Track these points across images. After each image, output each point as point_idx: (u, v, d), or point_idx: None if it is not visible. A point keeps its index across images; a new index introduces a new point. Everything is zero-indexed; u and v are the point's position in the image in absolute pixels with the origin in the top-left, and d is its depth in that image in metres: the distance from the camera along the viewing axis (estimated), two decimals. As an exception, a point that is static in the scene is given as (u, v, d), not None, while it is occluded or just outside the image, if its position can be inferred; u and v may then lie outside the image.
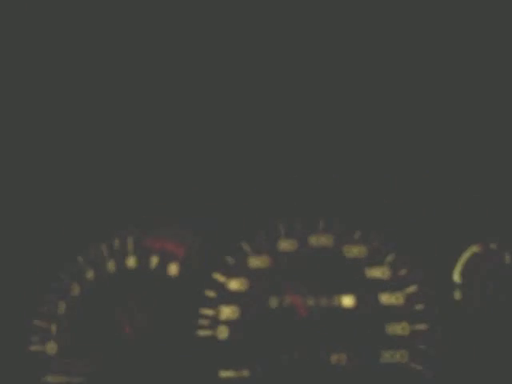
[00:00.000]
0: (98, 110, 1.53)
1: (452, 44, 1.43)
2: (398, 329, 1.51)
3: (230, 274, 1.56)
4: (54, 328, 1.56)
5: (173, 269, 1.57)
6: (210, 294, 1.55)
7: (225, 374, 1.51)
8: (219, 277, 1.56)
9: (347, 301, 1.53)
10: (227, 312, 1.53)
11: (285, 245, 1.57)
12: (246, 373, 1.50)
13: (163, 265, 1.57)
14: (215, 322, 1.53)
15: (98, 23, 1.38)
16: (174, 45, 1.43)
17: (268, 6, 1.36)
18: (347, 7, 1.37)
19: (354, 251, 1.56)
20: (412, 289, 1.53)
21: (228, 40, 1.42)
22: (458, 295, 1.53)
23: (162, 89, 1.50)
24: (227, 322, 1.53)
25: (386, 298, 1.53)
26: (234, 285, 1.55)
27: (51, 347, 1.55)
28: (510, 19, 1.37)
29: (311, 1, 1.36)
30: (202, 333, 1.53)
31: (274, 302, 1.53)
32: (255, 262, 1.56)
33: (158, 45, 1.42)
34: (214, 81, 1.48)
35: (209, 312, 1.54)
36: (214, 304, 1.54)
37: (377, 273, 1.54)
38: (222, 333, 1.52)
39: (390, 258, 1.55)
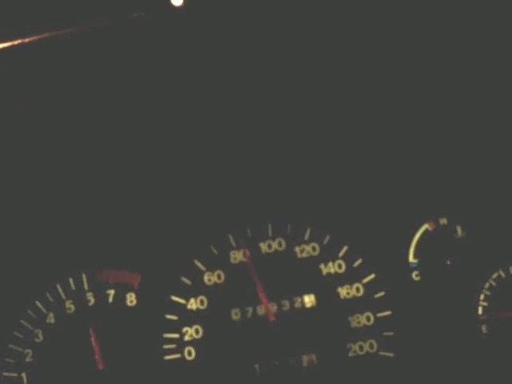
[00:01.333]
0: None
1: (452, 44, 1.42)
2: (363, 320, 1.51)
3: (188, 294, 1.55)
4: (24, 377, 1.56)
5: (130, 299, 1.56)
6: (172, 317, 1.54)
7: (198, 394, 1.51)
8: (178, 298, 1.55)
9: (308, 300, 1.53)
10: (191, 332, 1.53)
11: (237, 256, 1.56)
12: (218, 389, 1.51)
13: (121, 296, 1.57)
14: (181, 344, 1.53)
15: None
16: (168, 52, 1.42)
17: (267, 5, 1.34)
18: (347, 7, 1.36)
19: (307, 250, 1.55)
20: (370, 278, 1.52)
21: (227, 43, 1.41)
22: (416, 276, 1.52)
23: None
24: (193, 342, 1.53)
25: (345, 292, 1.53)
26: (194, 304, 1.54)
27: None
28: (510, 19, 1.37)
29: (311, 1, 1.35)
30: (169, 357, 1.52)
31: (235, 315, 1.53)
32: (211, 277, 1.55)
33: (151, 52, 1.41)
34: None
35: (173, 335, 1.53)
36: (177, 326, 1.54)
37: (332, 268, 1.54)
38: (189, 353, 1.52)
39: (343, 252, 1.54)
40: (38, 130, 1.53)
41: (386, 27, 1.40)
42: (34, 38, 1.35)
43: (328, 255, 1.54)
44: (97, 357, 1.53)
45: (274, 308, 1.53)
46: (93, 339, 1.54)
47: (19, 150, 1.55)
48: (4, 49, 1.36)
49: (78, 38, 1.37)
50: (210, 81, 1.49)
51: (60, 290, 1.58)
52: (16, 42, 1.35)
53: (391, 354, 1.49)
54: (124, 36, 1.39)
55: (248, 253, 1.53)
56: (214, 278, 1.56)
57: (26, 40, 1.35)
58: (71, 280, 1.59)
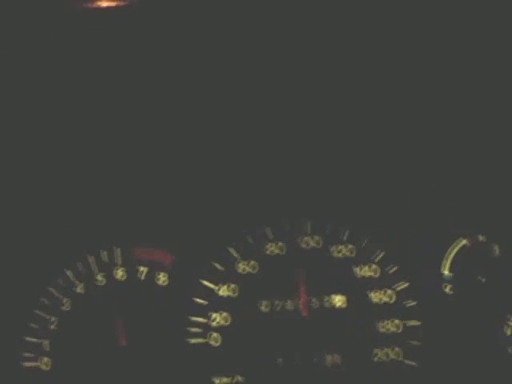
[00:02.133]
0: (77, 128, 1.52)
1: (452, 44, 1.42)
2: (391, 326, 1.51)
3: (219, 280, 1.55)
4: (47, 344, 1.55)
5: (162, 278, 1.56)
6: (200, 301, 1.54)
7: (219, 380, 1.50)
8: (208, 284, 1.55)
9: (338, 301, 1.53)
10: (218, 319, 1.53)
11: (273, 248, 1.56)
12: (240, 378, 1.50)
13: (152, 275, 1.57)
14: (207, 329, 1.53)
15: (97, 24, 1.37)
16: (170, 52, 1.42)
17: (267, 6, 1.35)
18: (347, 7, 1.36)
19: (343, 251, 1.55)
20: (402, 286, 1.52)
21: (227, 44, 1.41)
22: (448, 289, 1.52)
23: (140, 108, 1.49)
24: (219, 329, 1.53)
25: (376, 297, 1.53)
26: (224, 291, 1.54)
27: (45, 363, 1.54)
28: (510, 19, 1.37)
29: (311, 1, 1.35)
30: (195, 341, 1.52)
31: (265, 307, 1.53)
32: (244, 267, 1.56)
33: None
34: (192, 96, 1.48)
35: (200, 320, 1.53)
36: (205, 311, 1.53)
37: (366, 272, 1.54)
38: (215, 340, 1.52)
39: (378, 257, 1.54)
40: (56, 117, 1.54)
41: (386, 27, 1.40)
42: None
43: (364, 259, 1.54)
44: (119, 332, 1.52)
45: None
46: (121, 314, 1.53)
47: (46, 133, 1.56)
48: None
49: (76, 35, 1.37)
50: (226, 76, 1.49)
51: (93, 262, 1.58)
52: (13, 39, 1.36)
53: (416, 364, 1.49)
54: (123, 35, 1.39)
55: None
56: (248, 268, 1.56)
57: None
58: (104, 253, 1.59)
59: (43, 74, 1.46)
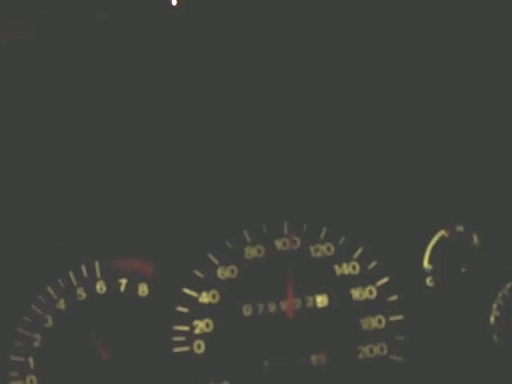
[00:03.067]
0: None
1: (452, 44, 1.42)
2: (374, 322, 1.51)
3: (201, 287, 1.55)
4: (31, 361, 1.55)
5: (142, 289, 1.56)
6: (183, 309, 1.54)
7: (206, 388, 1.50)
8: (189, 291, 1.55)
9: (321, 300, 1.52)
10: (201, 326, 1.53)
11: (251, 252, 1.56)
12: (227, 384, 1.50)
13: (132, 286, 1.56)
14: (190, 337, 1.53)
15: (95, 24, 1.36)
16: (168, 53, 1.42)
17: (267, 6, 1.34)
18: (347, 8, 1.36)
19: (321, 250, 1.55)
20: (383, 281, 1.52)
21: (226, 45, 1.41)
22: (429, 282, 1.52)
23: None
24: (203, 336, 1.52)
25: (358, 293, 1.52)
26: (206, 298, 1.54)
27: (31, 381, 1.54)
28: (510, 19, 1.36)
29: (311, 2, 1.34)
30: (179, 349, 1.52)
31: (247, 311, 1.53)
32: (223, 272, 1.55)
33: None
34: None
35: (183, 328, 1.53)
36: (188, 319, 1.53)
37: (346, 269, 1.53)
38: (199, 347, 1.52)
39: (358, 253, 1.54)
40: (51, 120, 1.53)
41: (386, 27, 1.40)
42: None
43: (342, 256, 1.54)
44: (102, 346, 1.52)
45: (284, 306, 1.52)
46: (101, 328, 1.53)
47: (29, 139, 1.55)
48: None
49: (77, 36, 1.37)
50: (221, 77, 1.48)
51: (72, 276, 1.58)
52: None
53: (401, 359, 1.49)
54: (123, 35, 1.38)
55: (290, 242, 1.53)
56: (228, 273, 1.55)
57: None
58: (84, 267, 1.58)
59: (41, 76, 1.46)
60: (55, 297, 1.57)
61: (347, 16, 1.37)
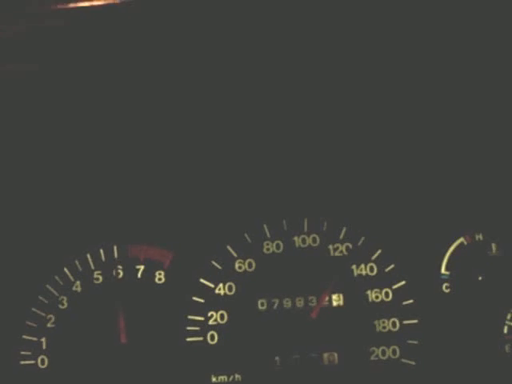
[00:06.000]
0: (82, 124, 1.52)
1: (452, 45, 1.41)
2: (388, 325, 1.51)
3: (217, 278, 1.55)
4: (44, 342, 1.55)
5: (159, 277, 1.56)
6: (198, 299, 1.54)
7: (217, 378, 1.50)
8: (206, 282, 1.55)
9: (336, 299, 1.53)
10: (216, 317, 1.53)
11: (270, 247, 1.56)
12: (237, 377, 1.51)
13: (150, 273, 1.56)
14: (205, 327, 1.53)
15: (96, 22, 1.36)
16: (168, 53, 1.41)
17: (268, 6, 1.34)
18: (347, 8, 1.35)
19: (341, 249, 1.55)
20: (400, 284, 1.53)
21: (229, 45, 1.40)
22: (446, 288, 1.52)
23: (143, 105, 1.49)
24: (216, 327, 1.53)
25: (374, 295, 1.53)
26: (222, 289, 1.54)
27: (42, 361, 1.54)
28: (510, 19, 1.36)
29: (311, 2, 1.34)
30: (192, 339, 1.52)
31: (262, 305, 1.53)
32: (242, 265, 1.56)
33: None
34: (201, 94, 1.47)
35: (198, 318, 1.53)
36: (203, 310, 1.54)
37: (364, 270, 1.54)
38: (212, 338, 1.52)
39: (376, 255, 1.54)
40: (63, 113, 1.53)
41: (386, 28, 1.39)
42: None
43: (361, 257, 1.55)
44: (120, 330, 1.52)
45: (300, 303, 1.53)
46: (118, 312, 1.53)
47: (48, 127, 1.55)
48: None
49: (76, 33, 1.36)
50: (225, 76, 1.48)
51: (90, 259, 1.58)
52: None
53: (413, 363, 1.49)
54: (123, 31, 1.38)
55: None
56: (245, 266, 1.56)
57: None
58: (102, 251, 1.59)
59: (40, 73, 1.45)
60: (72, 279, 1.58)
61: (348, 17, 1.37)
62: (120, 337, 1.53)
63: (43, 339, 1.56)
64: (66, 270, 1.59)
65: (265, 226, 1.58)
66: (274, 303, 1.54)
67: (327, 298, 1.52)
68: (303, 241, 1.56)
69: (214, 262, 1.56)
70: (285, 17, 1.35)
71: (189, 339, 1.53)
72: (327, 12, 1.34)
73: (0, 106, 1.43)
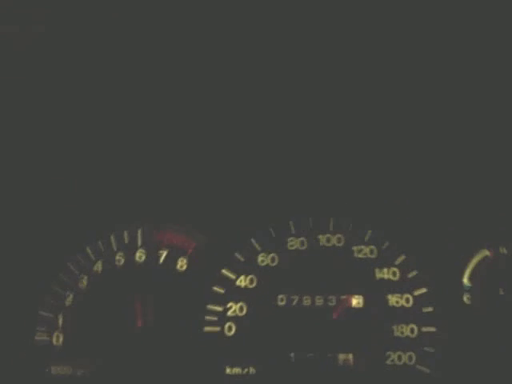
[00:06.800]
0: (107, 108, 1.52)
1: (452, 46, 1.41)
2: (407, 331, 1.51)
3: (239, 270, 1.55)
4: (60, 319, 1.55)
5: (181, 264, 1.56)
6: (219, 290, 1.54)
7: (231, 370, 1.50)
8: (228, 273, 1.55)
9: (356, 301, 1.53)
10: (235, 308, 1.53)
11: (294, 243, 1.56)
12: (252, 370, 1.50)
13: (172, 259, 1.56)
14: (223, 318, 1.53)
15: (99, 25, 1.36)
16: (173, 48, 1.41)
17: (268, 8, 1.34)
18: (346, 10, 1.35)
19: (364, 252, 1.55)
20: (421, 291, 1.52)
21: (231, 43, 1.41)
22: (467, 299, 1.52)
23: (167, 91, 1.48)
24: (235, 319, 1.53)
25: (394, 300, 1.52)
26: (243, 281, 1.54)
27: (57, 338, 1.54)
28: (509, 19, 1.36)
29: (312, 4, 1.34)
30: (210, 329, 1.52)
31: (281, 301, 1.53)
32: (264, 259, 1.55)
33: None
34: (221, 86, 1.47)
35: (216, 308, 1.53)
36: (222, 300, 1.54)
37: (386, 274, 1.54)
38: (229, 329, 1.52)
39: (399, 260, 1.54)
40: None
41: (387, 29, 1.39)
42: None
43: (384, 261, 1.54)
44: (136, 314, 1.52)
45: (320, 302, 1.52)
46: (136, 296, 1.53)
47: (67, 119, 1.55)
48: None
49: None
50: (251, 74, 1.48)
51: (113, 241, 1.58)
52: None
53: (428, 370, 1.49)
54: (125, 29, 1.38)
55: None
56: (268, 261, 1.56)
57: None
58: (126, 234, 1.58)
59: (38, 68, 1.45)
60: (93, 258, 1.58)
61: (348, 19, 1.37)
62: (136, 320, 1.52)
63: (60, 316, 1.56)
64: (88, 249, 1.58)
65: (290, 222, 1.57)
66: (293, 300, 1.53)
67: (351, 301, 1.52)
68: (328, 240, 1.56)
69: (237, 254, 1.56)
70: (285, 17, 1.35)
71: (206, 329, 1.52)
72: (327, 12, 1.35)
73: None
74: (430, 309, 1.52)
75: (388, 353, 1.50)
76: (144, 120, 1.57)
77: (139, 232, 1.58)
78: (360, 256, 1.55)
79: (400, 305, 1.52)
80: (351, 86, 1.51)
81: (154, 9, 1.34)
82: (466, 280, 1.53)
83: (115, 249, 1.58)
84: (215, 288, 1.54)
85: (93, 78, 1.47)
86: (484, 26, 1.37)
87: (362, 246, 1.56)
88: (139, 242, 1.58)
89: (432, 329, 1.51)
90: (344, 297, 1.53)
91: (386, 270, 1.54)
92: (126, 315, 1.54)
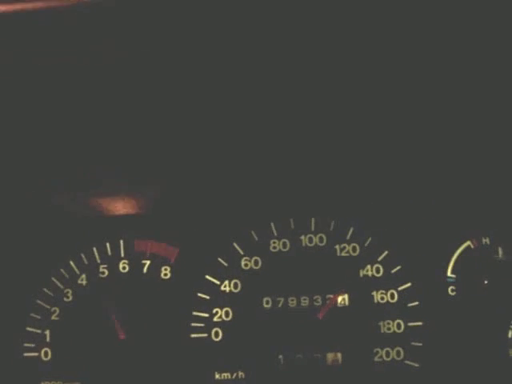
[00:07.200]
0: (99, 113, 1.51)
1: (452, 46, 1.41)
2: (393, 326, 1.51)
3: (223, 275, 1.55)
4: (48, 334, 1.55)
5: (165, 272, 1.56)
6: (204, 296, 1.54)
7: (220, 376, 1.51)
8: (212, 279, 1.55)
9: (341, 299, 1.53)
10: (221, 314, 1.53)
11: (277, 245, 1.56)
12: (241, 374, 1.51)
13: (155, 268, 1.57)
14: (209, 324, 1.53)
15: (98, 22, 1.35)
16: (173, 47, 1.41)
17: (269, 9, 1.34)
18: (348, 11, 1.35)
19: (347, 250, 1.55)
20: (406, 286, 1.53)
21: (232, 44, 1.40)
22: (451, 291, 1.53)
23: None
24: (221, 324, 1.53)
25: (379, 296, 1.53)
26: (227, 286, 1.55)
27: (45, 353, 1.54)
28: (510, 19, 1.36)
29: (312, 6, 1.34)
30: (196, 335, 1.52)
31: (267, 304, 1.53)
32: (248, 263, 1.56)
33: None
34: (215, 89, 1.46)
35: (202, 314, 1.53)
36: (208, 306, 1.54)
37: (370, 271, 1.54)
38: (216, 335, 1.52)
39: (382, 256, 1.54)
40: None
41: (387, 30, 1.39)
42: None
43: (367, 258, 1.55)
44: (118, 326, 1.52)
45: (305, 302, 1.53)
46: (111, 309, 1.53)
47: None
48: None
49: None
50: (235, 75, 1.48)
51: (96, 253, 1.58)
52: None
53: (417, 365, 1.49)
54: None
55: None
56: (251, 264, 1.56)
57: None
58: (108, 245, 1.59)
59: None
60: (77, 272, 1.58)
61: (349, 17, 1.36)
62: (118, 333, 1.52)
63: (47, 331, 1.56)
64: (71, 263, 1.59)
65: (272, 225, 1.58)
66: (279, 302, 1.54)
67: (337, 300, 1.52)
68: (310, 240, 1.56)
69: (220, 259, 1.56)
70: (285, 17, 1.35)
71: (193, 335, 1.53)
72: (328, 12, 1.34)
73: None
74: (415, 303, 1.52)
75: (376, 349, 1.51)
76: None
77: (121, 243, 1.58)
78: (343, 254, 1.55)
79: (385, 301, 1.52)
80: (341, 86, 1.50)
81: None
82: (449, 272, 1.53)
83: (99, 261, 1.58)
84: (200, 294, 1.54)
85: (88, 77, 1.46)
86: (484, 26, 1.37)
87: (345, 244, 1.56)
88: (122, 253, 1.58)
89: (419, 323, 1.51)
90: (331, 296, 1.53)
91: (369, 266, 1.54)
92: (114, 328, 1.54)
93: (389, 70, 1.44)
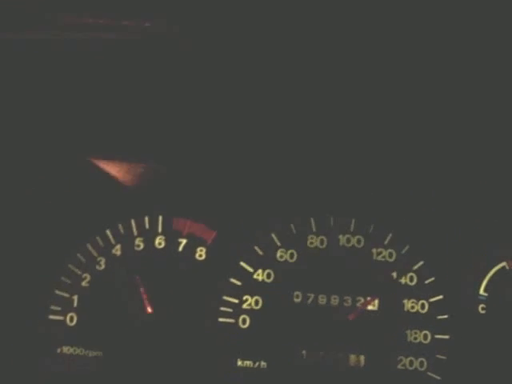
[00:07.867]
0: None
1: (452, 46, 1.41)
2: (420, 337, 1.51)
3: (257, 264, 1.56)
4: (75, 300, 1.55)
5: (200, 253, 1.56)
6: (236, 282, 1.54)
7: (242, 363, 1.51)
8: (246, 266, 1.55)
9: (371, 303, 1.53)
10: (250, 302, 1.53)
11: (314, 241, 1.56)
12: (263, 364, 1.51)
13: (191, 248, 1.57)
14: (238, 310, 1.53)
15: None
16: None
17: (270, 10, 1.34)
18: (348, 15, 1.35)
19: (383, 255, 1.55)
20: (437, 298, 1.53)
21: (232, 45, 1.40)
22: (481, 309, 1.53)
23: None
24: (249, 312, 1.53)
25: (410, 305, 1.53)
26: (260, 275, 1.55)
27: (71, 318, 1.54)
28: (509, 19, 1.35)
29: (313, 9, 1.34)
30: (224, 320, 1.53)
31: (297, 298, 1.53)
32: (283, 254, 1.56)
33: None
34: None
35: (232, 300, 1.53)
36: (239, 292, 1.54)
37: (404, 279, 1.54)
38: (244, 322, 1.52)
39: (418, 265, 1.54)
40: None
41: (387, 32, 1.39)
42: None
43: (403, 265, 1.55)
44: (144, 300, 1.53)
45: (335, 301, 1.53)
46: (140, 283, 1.53)
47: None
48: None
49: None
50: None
51: (134, 225, 1.58)
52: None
53: (438, 377, 1.49)
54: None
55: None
56: (286, 256, 1.56)
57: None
58: (147, 219, 1.59)
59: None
60: (113, 241, 1.58)
61: (349, 17, 1.36)
62: (145, 307, 1.52)
63: (75, 297, 1.56)
64: (108, 231, 1.59)
65: (312, 220, 1.58)
66: (309, 297, 1.54)
67: (370, 304, 1.52)
68: (348, 240, 1.57)
69: (256, 248, 1.56)
70: (287, 18, 1.35)
71: (221, 320, 1.53)
72: (328, 12, 1.34)
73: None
74: (444, 316, 1.52)
75: (400, 357, 1.51)
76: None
77: (160, 219, 1.58)
78: (379, 259, 1.55)
79: (415, 310, 1.53)
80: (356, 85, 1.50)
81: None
82: (482, 290, 1.54)
83: (135, 233, 1.58)
84: (232, 280, 1.55)
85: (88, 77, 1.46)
86: (484, 26, 1.37)
87: (382, 249, 1.56)
88: (159, 229, 1.58)
89: (445, 336, 1.51)
90: (361, 298, 1.53)
91: (403, 274, 1.54)
92: (140, 301, 1.54)
93: (391, 69, 1.44)
